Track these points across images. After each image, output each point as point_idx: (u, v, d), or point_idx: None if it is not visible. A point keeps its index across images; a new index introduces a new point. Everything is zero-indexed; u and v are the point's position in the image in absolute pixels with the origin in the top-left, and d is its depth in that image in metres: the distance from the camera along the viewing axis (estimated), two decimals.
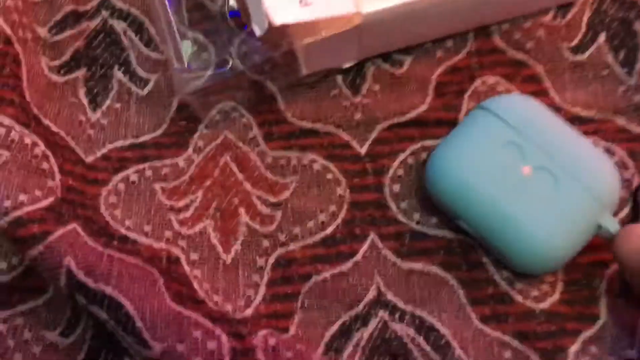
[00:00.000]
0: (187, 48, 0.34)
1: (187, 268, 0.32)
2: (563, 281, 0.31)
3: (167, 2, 0.34)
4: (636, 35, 0.35)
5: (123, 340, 0.28)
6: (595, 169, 0.30)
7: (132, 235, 0.32)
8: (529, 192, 0.29)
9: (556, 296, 0.31)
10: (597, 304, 0.31)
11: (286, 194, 0.34)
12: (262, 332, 0.29)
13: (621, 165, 0.33)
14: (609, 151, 0.33)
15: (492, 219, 0.30)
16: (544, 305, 0.31)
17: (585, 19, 0.36)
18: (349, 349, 0.31)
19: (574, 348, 0.30)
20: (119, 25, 0.37)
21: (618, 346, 0.30)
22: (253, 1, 0.31)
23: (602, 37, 0.35)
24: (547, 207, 0.29)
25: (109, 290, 0.28)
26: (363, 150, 0.35)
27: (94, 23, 0.37)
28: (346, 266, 0.32)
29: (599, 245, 0.31)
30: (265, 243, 0.33)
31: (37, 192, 0.30)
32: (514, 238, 0.29)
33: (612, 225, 0.29)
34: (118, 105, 0.36)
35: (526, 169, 0.30)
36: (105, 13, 0.37)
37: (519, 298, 0.31)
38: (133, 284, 0.28)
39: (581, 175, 0.29)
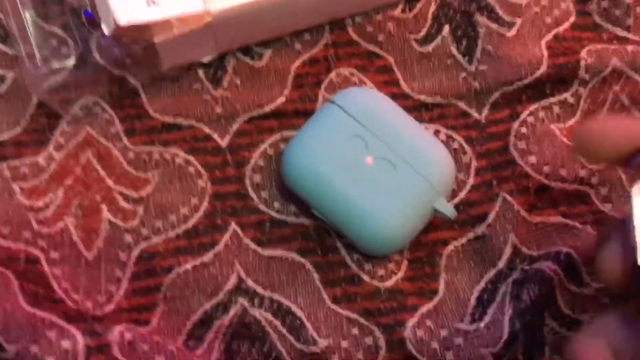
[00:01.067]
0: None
1: (46, 268, 0.32)
2: (407, 259, 0.34)
3: None
4: (476, 26, 0.38)
5: None
6: (431, 158, 0.33)
7: None
8: (371, 180, 0.32)
9: (400, 274, 0.34)
10: (437, 280, 0.34)
11: (148, 189, 0.35)
12: (119, 328, 0.30)
13: (460, 151, 0.36)
14: (450, 138, 0.36)
15: (339, 206, 0.32)
16: (389, 283, 0.33)
17: (430, 12, 0.38)
18: (210, 336, 0.32)
19: (411, 322, 0.33)
20: None
21: (450, 319, 0.33)
22: (101, 1, 0.31)
23: (446, 29, 0.38)
24: (387, 194, 0.32)
25: None
26: (224, 143, 0.36)
27: None
28: (207, 257, 0.33)
29: (439, 225, 0.34)
30: (128, 238, 0.34)
31: None
32: (358, 223, 0.32)
33: (446, 209, 0.32)
34: None
35: (369, 159, 0.32)
36: None
37: (366, 278, 0.34)
38: None
39: (418, 164, 0.32)
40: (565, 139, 0.36)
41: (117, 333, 0.29)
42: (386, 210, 0.32)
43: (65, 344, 0.28)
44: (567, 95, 0.37)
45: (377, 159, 0.32)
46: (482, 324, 0.32)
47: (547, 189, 0.35)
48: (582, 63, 0.37)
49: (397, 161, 0.32)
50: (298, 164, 0.33)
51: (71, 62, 0.34)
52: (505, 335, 0.32)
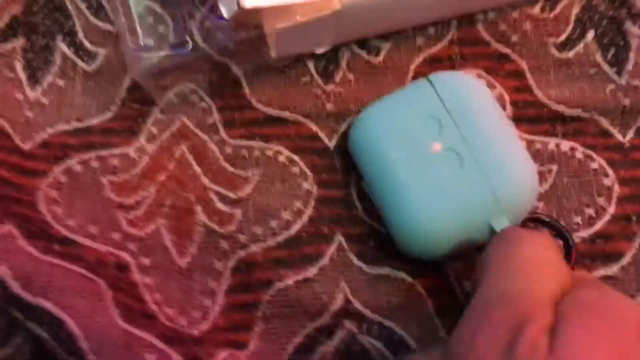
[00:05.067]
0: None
1: (137, 276, 0.29)
2: None
3: None
4: (626, 35, 0.33)
5: None
6: (506, 170, 0.28)
7: (76, 237, 0.29)
8: (429, 169, 0.28)
9: None
10: None
11: (247, 189, 0.31)
12: (222, 354, 0.26)
13: (601, 173, 0.32)
14: (589, 157, 0.32)
15: (386, 186, 0.29)
16: None
17: (574, 13, 0.34)
18: None
19: None
20: None
21: None
22: None
23: (590, 35, 0.33)
24: (441, 188, 0.28)
25: (49, 305, 0.25)
26: (332, 144, 0.32)
27: None
28: (311, 271, 0.30)
29: None
30: (224, 245, 0.30)
31: None
32: (398, 211, 0.28)
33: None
34: (61, 83, 0.32)
35: (437, 145, 0.28)
36: None
37: None
38: (77, 298, 0.25)
39: (489, 170, 0.28)
40: None
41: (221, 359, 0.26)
42: (432, 204, 0.28)
43: None
44: None
45: (446, 148, 0.28)
46: None
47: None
48: None
49: (467, 157, 0.28)
50: (362, 129, 0.30)
51: (174, 44, 0.31)
52: None
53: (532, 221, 0.29)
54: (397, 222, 0.29)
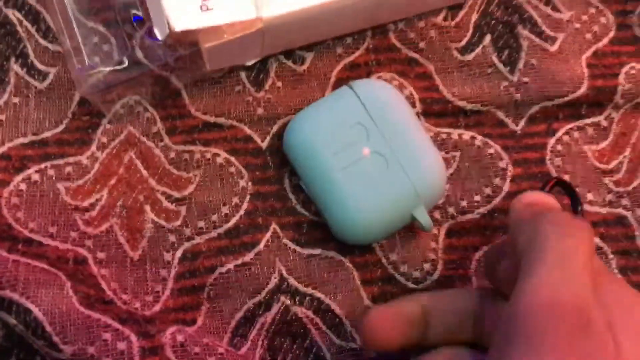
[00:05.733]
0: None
1: (94, 268, 0.33)
2: (443, 261, 0.35)
3: None
4: (518, 38, 0.38)
5: (34, 343, 0.29)
6: (423, 167, 0.33)
7: (37, 237, 0.33)
8: (360, 170, 0.33)
9: (435, 276, 0.35)
10: (469, 283, 0.35)
11: (190, 189, 0.35)
12: (171, 330, 0.30)
13: (497, 157, 0.37)
14: (487, 144, 0.37)
15: (322, 183, 0.33)
16: (423, 285, 0.35)
17: (472, 21, 0.38)
18: (253, 334, 0.33)
19: None
20: (14, 15, 0.36)
21: None
22: (154, 4, 0.32)
23: (487, 39, 0.38)
24: (371, 187, 0.33)
25: (16, 296, 0.29)
26: (264, 144, 0.36)
27: None
28: (249, 256, 0.34)
29: (471, 229, 0.35)
30: (172, 238, 0.34)
31: None
32: (335, 206, 0.33)
33: (423, 218, 0.33)
34: (16, 100, 0.35)
35: (365, 150, 0.33)
36: None
37: (402, 280, 0.35)
38: (40, 289, 0.29)
39: (409, 168, 0.33)
40: (596, 162, 0.37)
41: (169, 335, 0.30)
42: (364, 201, 0.32)
43: (121, 345, 0.29)
44: (600, 118, 0.38)
45: (373, 152, 0.33)
46: None
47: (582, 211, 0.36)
48: (620, 88, 0.37)
49: (391, 159, 0.33)
50: (298, 135, 0.34)
51: (116, 61, 0.34)
52: None
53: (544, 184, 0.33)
54: (335, 216, 0.33)
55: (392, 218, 0.33)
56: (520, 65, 0.38)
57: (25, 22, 0.36)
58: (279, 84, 0.37)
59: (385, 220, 0.33)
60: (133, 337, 0.29)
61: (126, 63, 0.33)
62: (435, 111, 0.37)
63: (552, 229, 0.25)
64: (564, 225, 0.25)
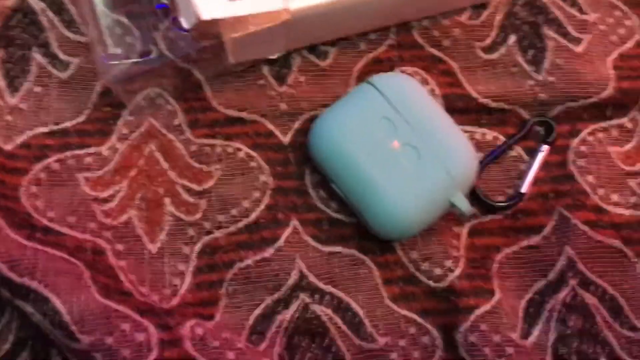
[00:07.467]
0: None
1: (112, 259, 0.32)
2: (465, 258, 0.34)
3: None
4: (544, 38, 0.38)
5: (50, 333, 0.29)
6: (455, 152, 0.33)
7: (56, 226, 0.32)
8: (393, 164, 0.32)
9: (457, 272, 0.34)
10: (491, 282, 0.34)
11: (210, 182, 0.35)
12: (190, 323, 0.30)
13: (520, 159, 0.36)
14: (509, 147, 0.36)
15: (358, 184, 0.32)
16: (445, 283, 0.34)
17: (497, 20, 0.38)
18: (271, 331, 0.32)
19: (464, 325, 0.33)
20: (37, 5, 0.36)
21: (505, 325, 0.33)
22: None
23: (512, 39, 0.38)
24: (407, 179, 0.32)
25: (34, 284, 0.28)
26: (286, 140, 0.36)
27: (11, 1, 0.36)
28: (268, 252, 0.33)
29: (493, 230, 0.35)
30: (191, 232, 0.34)
31: None
32: (374, 204, 0.32)
33: (462, 204, 0.32)
34: (38, 89, 0.35)
35: (396, 143, 0.33)
36: None
37: (423, 278, 0.34)
38: (59, 277, 0.29)
39: (442, 156, 0.32)
40: (620, 163, 0.36)
41: (188, 328, 0.30)
42: (402, 195, 0.32)
43: (140, 336, 0.28)
44: (625, 120, 0.37)
45: (404, 144, 0.32)
46: (527, 342, 0.33)
47: (604, 211, 0.35)
48: None
49: (423, 149, 0.32)
50: (324, 138, 0.33)
51: (139, 52, 0.34)
52: (549, 359, 0.32)
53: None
54: (375, 214, 0.32)
55: (432, 207, 0.32)
56: (546, 64, 0.37)
57: (48, 12, 0.36)
58: (302, 78, 0.37)
59: (425, 211, 0.32)
60: (152, 329, 0.29)
61: (154, 53, 0.32)
62: (458, 107, 0.37)
63: None
64: None
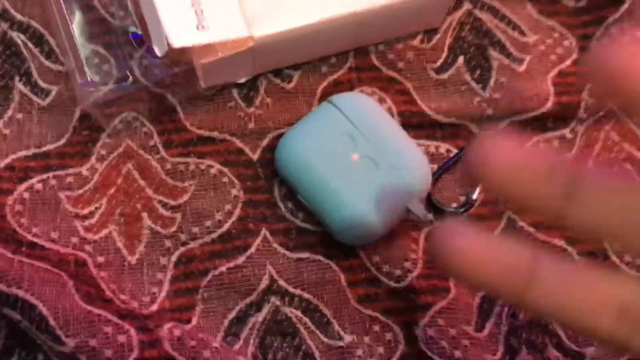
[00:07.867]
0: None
1: (94, 271, 0.34)
2: (422, 260, 0.37)
3: (67, 16, 0.36)
4: (489, 59, 0.41)
5: (37, 338, 0.31)
6: (409, 163, 0.36)
7: (40, 241, 0.34)
8: (354, 175, 0.35)
9: (415, 272, 0.37)
10: (447, 279, 0.37)
11: (185, 197, 0.37)
12: (168, 325, 0.32)
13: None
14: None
15: (322, 194, 0.35)
16: (405, 283, 0.36)
17: (447, 43, 0.42)
18: (245, 332, 0.35)
19: (423, 321, 0.36)
20: (18, 38, 0.39)
21: (460, 320, 0.36)
22: (153, 24, 0.34)
23: (460, 60, 0.41)
24: (366, 188, 0.35)
25: (21, 293, 0.30)
26: (255, 156, 0.38)
27: None
28: (240, 259, 0.36)
29: None
30: (168, 243, 0.36)
31: None
32: (337, 212, 0.35)
33: (417, 210, 0.35)
34: (20, 116, 0.37)
35: (355, 155, 0.35)
36: (4, 25, 0.39)
37: (385, 279, 0.37)
38: (45, 287, 0.31)
39: (397, 166, 0.35)
40: None
41: (166, 329, 0.32)
42: (363, 203, 0.34)
43: (121, 338, 0.30)
44: (566, 131, 0.41)
45: (362, 156, 0.35)
46: (482, 335, 0.35)
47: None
48: (582, 104, 0.40)
49: (380, 161, 0.35)
50: (289, 154, 0.36)
51: (113, 80, 0.37)
52: (501, 348, 0.35)
53: None
54: (338, 222, 0.35)
55: (390, 214, 0.35)
56: (492, 83, 0.41)
57: (29, 44, 0.39)
58: (269, 100, 0.39)
59: (384, 217, 0.35)
60: (132, 331, 0.31)
61: (131, 79, 0.35)
62: (413, 123, 0.40)
63: None
64: None
